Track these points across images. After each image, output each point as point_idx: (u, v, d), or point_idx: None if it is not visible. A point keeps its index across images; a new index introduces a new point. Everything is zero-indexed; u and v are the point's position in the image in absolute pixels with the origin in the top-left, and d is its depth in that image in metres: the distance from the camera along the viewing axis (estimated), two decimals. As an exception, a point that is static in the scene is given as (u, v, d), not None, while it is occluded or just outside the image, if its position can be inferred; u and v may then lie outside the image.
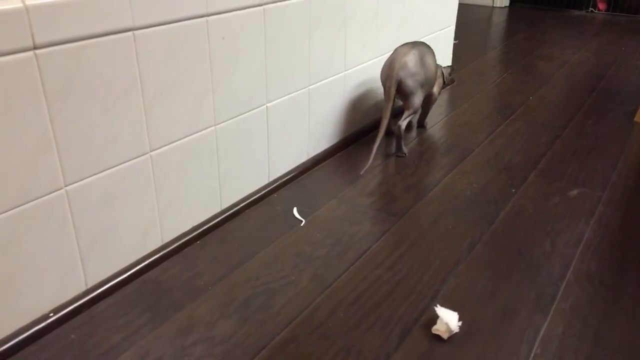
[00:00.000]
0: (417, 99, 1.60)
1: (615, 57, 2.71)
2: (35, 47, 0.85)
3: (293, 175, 1.51)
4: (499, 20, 3.58)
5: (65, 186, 0.95)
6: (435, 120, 1.93)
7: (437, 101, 2.04)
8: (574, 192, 1.46)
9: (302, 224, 1.31)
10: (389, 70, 1.56)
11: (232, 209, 1.33)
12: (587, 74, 2.46)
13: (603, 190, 1.46)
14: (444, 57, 2.26)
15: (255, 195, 1.39)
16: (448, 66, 1.86)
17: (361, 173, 1.53)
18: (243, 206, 1.35)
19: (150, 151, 1.09)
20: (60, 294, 1.00)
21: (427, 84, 1.62)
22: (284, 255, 1.19)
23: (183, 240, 1.21)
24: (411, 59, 1.56)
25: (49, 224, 0.95)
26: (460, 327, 0.98)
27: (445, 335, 0.96)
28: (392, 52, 1.61)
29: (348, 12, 1.55)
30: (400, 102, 1.66)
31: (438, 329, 0.97)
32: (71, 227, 0.98)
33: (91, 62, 0.93)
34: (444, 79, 1.80)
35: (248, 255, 1.19)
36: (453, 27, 2.26)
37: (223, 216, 1.30)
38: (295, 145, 1.51)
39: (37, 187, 0.91)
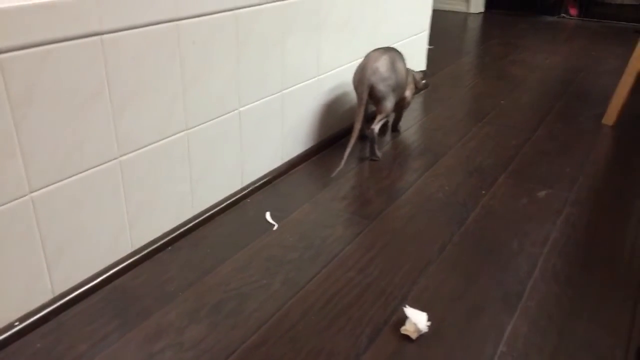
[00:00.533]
0: (389, 103, 1.63)
1: (586, 62, 2.78)
2: (-3, 52, 0.84)
3: (267, 180, 1.51)
4: (474, 26, 3.64)
5: (31, 192, 0.94)
6: (409, 124, 1.95)
7: (411, 105, 2.07)
8: (542, 193, 1.49)
9: (274, 228, 1.31)
10: (361, 75, 1.58)
11: (204, 214, 1.32)
12: (558, 78, 2.51)
13: (570, 191, 1.50)
14: (418, 62, 2.29)
15: (229, 200, 1.39)
16: (421, 71, 1.88)
17: (332, 176, 1.54)
18: (216, 211, 1.35)
19: (120, 156, 1.08)
20: (26, 302, 0.98)
21: (398, 88, 1.64)
22: (256, 260, 1.19)
23: (154, 246, 1.20)
24: (383, 64, 1.58)
25: (13, 231, 0.93)
26: (429, 327, 0.99)
27: (414, 336, 0.97)
28: (364, 57, 1.63)
29: (321, 17, 1.57)
30: (373, 107, 1.67)
31: (407, 329, 0.98)
32: (37, 234, 0.97)
33: (57, 67, 0.93)
34: (415, 84, 1.82)
35: (220, 260, 1.19)
36: (427, 32, 2.30)
37: (195, 221, 1.30)
38: (269, 149, 1.51)
39: (1, 193, 0.90)
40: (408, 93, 1.77)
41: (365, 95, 1.57)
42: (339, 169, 1.54)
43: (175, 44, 1.13)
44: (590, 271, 1.17)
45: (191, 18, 1.15)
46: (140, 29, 1.05)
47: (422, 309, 1.02)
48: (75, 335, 0.97)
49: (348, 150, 1.55)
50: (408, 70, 1.75)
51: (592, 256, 1.22)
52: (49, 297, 1.02)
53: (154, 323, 1.00)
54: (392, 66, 1.60)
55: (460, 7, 4.08)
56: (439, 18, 3.76)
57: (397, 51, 1.67)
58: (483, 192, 1.49)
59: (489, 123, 1.97)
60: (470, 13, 4.04)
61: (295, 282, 1.12)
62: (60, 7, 0.91)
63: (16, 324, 0.96)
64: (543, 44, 3.14)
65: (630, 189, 1.52)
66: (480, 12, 4.07)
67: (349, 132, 1.79)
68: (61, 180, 0.99)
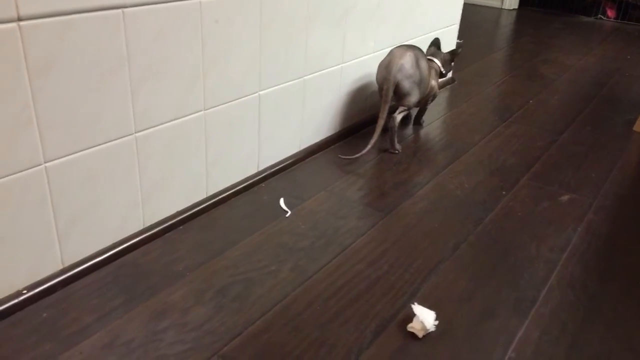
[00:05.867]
0: (413, 99, 1.60)
1: (620, 65, 2.68)
2: (19, 19, 0.84)
3: (283, 166, 1.49)
4: (507, 23, 3.55)
5: (45, 162, 0.94)
6: (433, 118, 1.91)
7: (436, 99, 2.02)
8: (565, 198, 1.44)
9: (287, 215, 1.29)
10: (386, 72, 1.56)
11: (218, 196, 1.32)
12: (590, 80, 2.43)
13: (594, 198, 1.45)
14: (446, 55, 2.24)
15: (243, 183, 1.38)
16: (449, 52, 1.82)
17: (353, 157, 1.55)
18: (230, 194, 1.34)
19: (136, 132, 1.08)
20: (35, 271, 0.99)
21: (422, 84, 1.61)
22: (266, 245, 1.18)
23: (165, 225, 1.20)
24: (407, 61, 1.55)
25: (26, 200, 0.94)
26: (437, 326, 0.97)
27: (420, 334, 0.95)
28: (387, 54, 1.60)
29: (349, 3, 1.53)
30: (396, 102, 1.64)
31: (413, 326, 0.96)
32: (49, 205, 0.97)
33: (77, 38, 0.92)
34: (441, 70, 1.77)
35: (230, 243, 1.18)
36: (457, 26, 2.24)
37: (208, 203, 1.29)
38: (287, 135, 1.49)
39: (15, 162, 0.90)
40: (434, 83, 1.73)
41: (390, 93, 1.55)
42: (361, 153, 1.53)
43: (197, 22, 1.12)
44: (609, 281, 1.13)
45: (216, -4, 1.13)
46: (163, 4, 1.04)
47: (431, 308, 1.00)
48: (82, 307, 0.98)
49: (372, 141, 1.54)
50: (430, 66, 1.71)
51: (611, 266, 1.18)
52: (58, 267, 1.03)
53: (159, 301, 1.00)
54: (416, 63, 1.58)
55: (494, 3, 3.98)
56: (471, 12, 3.67)
57: (419, 48, 1.64)
58: (503, 192, 1.45)
59: (515, 122, 1.92)
60: (503, 9, 3.94)
61: (303, 271, 1.11)
62: (84, -23, 0.90)
63: (24, 292, 0.97)
64: (577, 45, 3.04)
65: (658, 199, 1.46)
66: (514, 9, 3.96)
67: (370, 123, 1.76)
68: (76, 152, 0.98)
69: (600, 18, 3.76)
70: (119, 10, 0.97)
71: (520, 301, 1.05)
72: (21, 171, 0.91)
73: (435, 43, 1.82)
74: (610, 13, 3.75)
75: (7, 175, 0.90)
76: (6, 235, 0.93)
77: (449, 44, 2.22)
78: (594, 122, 1.95)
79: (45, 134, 0.93)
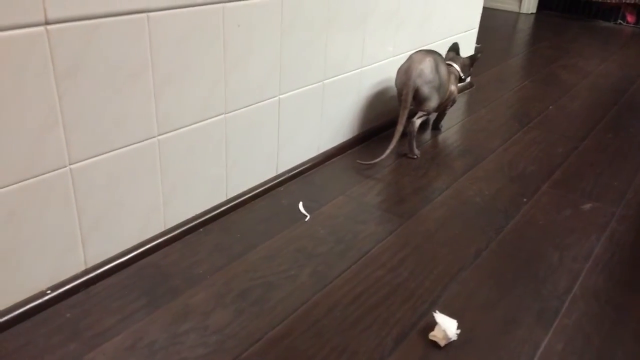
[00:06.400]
0: (433, 104, 1.59)
1: (641, 71, 2.64)
2: (47, 23, 0.85)
3: (302, 170, 1.49)
4: (525, 27, 3.52)
5: (70, 164, 0.95)
6: (451, 123, 1.89)
7: (455, 105, 2.01)
8: (587, 206, 1.42)
9: (306, 219, 1.29)
10: (405, 78, 1.55)
11: (237, 199, 1.32)
12: (611, 86, 2.40)
13: (617, 207, 1.43)
14: (465, 60, 2.22)
15: (262, 187, 1.38)
16: (468, 57, 1.81)
17: (372, 162, 1.54)
18: (249, 197, 1.34)
19: (158, 135, 1.08)
20: (59, 271, 1.00)
21: (441, 89, 1.60)
22: (286, 250, 1.18)
23: (186, 227, 1.20)
24: (427, 66, 1.54)
25: (51, 201, 0.94)
26: (459, 336, 0.96)
27: (442, 343, 0.94)
28: (407, 59, 1.59)
29: (369, 7, 1.53)
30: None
31: (435, 335, 0.95)
32: (74, 206, 0.98)
33: (103, 41, 0.93)
34: (460, 75, 1.76)
35: (249, 246, 1.18)
36: (476, 30, 2.23)
37: (228, 206, 1.29)
38: (306, 139, 1.49)
39: (41, 163, 0.91)
40: (453, 88, 1.72)
41: (409, 98, 1.54)
42: (380, 158, 1.52)
43: (220, 26, 1.12)
44: (634, 292, 1.11)
45: (237, 1, 1.14)
46: (187, 9, 1.04)
47: (452, 316, 0.99)
48: (104, 309, 0.98)
49: (391, 147, 1.53)
50: (449, 71, 1.70)
51: (636, 276, 1.16)
52: (81, 268, 1.03)
53: (181, 304, 1.00)
54: (436, 68, 1.57)
55: (512, 7, 3.95)
56: (489, 16, 3.65)
57: (438, 53, 1.63)
58: (524, 200, 1.43)
59: (535, 128, 1.89)
60: (521, 13, 3.90)
61: (323, 276, 1.10)
62: (112, -19, 0.91)
63: (48, 292, 0.98)
64: (596, 50, 3.01)
65: (683, 209, 1.44)
66: (532, 13, 3.92)
67: (389, 128, 1.76)
68: (100, 155, 0.99)
69: (620, 23, 3.72)
70: (144, 15, 0.98)
71: (544, 311, 1.04)
72: (47, 173, 0.92)
73: (454, 48, 1.81)
74: (630, 18, 3.70)
75: (33, 177, 0.91)
76: (31, 236, 0.94)
77: (468, 49, 2.21)
78: (615, 129, 1.93)
79: (71, 136, 0.93)
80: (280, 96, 1.35)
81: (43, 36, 0.85)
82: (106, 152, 1.00)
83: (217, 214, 1.27)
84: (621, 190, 1.51)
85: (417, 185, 1.48)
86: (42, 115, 0.88)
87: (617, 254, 1.23)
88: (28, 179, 0.90)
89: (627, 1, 3.62)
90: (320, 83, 1.47)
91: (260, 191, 1.37)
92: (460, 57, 1.80)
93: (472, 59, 1.82)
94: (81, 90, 0.92)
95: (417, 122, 1.60)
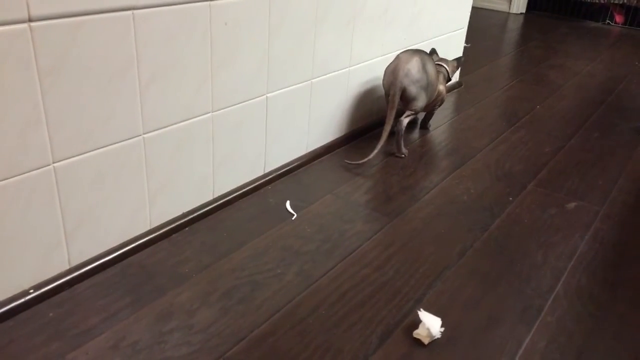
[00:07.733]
0: (420, 103, 1.60)
1: (628, 72, 2.67)
2: (30, 20, 0.84)
3: (289, 168, 1.49)
4: (514, 27, 3.54)
5: (54, 162, 0.95)
6: (439, 122, 1.90)
7: (443, 104, 2.02)
8: (572, 205, 1.43)
9: (293, 218, 1.29)
10: (392, 77, 1.55)
11: (224, 198, 1.32)
12: (598, 86, 2.42)
13: (601, 205, 1.44)
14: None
15: (249, 185, 1.38)
16: (454, 59, 1.83)
17: (359, 162, 1.54)
18: (236, 196, 1.34)
19: (144, 133, 1.08)
20: (42, 271, 0.99)
21: (429, 88, 1.61)
22: (272, 248, 1.18)
23: (172, 226, 1.20)
24: (414, 66, 1.55)
25: (35, 200, 0.94)
26: (442, 333, 0.97)
27: (426, 341, 0.95)
28: (394, 59, 1.59)
29: (357, 6, 1.53)
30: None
31: (419, 333, 0.95)
32: (58, 205, 0.98)
33: (88, 39, 0.92)
34: (449, 73, 1.77)
35: (236, 245, 1.18)
36: (465, 30, 2.24)
37: (214, 204, 1.29)
38: (293, 138, 1.49)
39: (24, 161, 0.90)
40: (442, 88, 1.73)
41: (397, 98, 1.54)
42: (367, 157, 1.52)
43: (206, 24, 1.12)
44: (616, 290, 1.12)
45: (225, -1, 1.13)
46: (173, 7, 1.04)
47: (437, 314, 1.00)
48: (88, 308, 0.98)
49: (379, 146, 1.53)
50: (438, 70, 1.71)
51: (619, 275, 1.17)
52: (65, 267, 1.03)
53: (166, 303, 1.00)
54: (423, 67, 1.57)
55: (502, 7, 3.97)
56: (478, 16, 3.66)
57: (426, 52, 1.64)
58: (510, 198, 1.45)
59: (522, 128, 1.91)
60: (511, 13, 3.93)
61: (309, 275, 1.11)
62: (96, -22, 0.90)
63: (31, 291, 0.97)
64: (584, 50, 3.03)
65: (666, 208, 1.46)
66: (522, 13, 3.95)
67: (377, 127, 1.76)
68: (84, 153, 0.99)
69: (608, 23, 3.75)
70: (129, 12, 0.97)
71: (527, 309, 1.05)
72: (30, 171, 0.92)
73: (433, 53, 1.81)
74: (619, 19, 3.73)
75: (16, 175, 0.90)
76: (14, 235, 0.93)
77: (457, 48, 2.22)
78: (601, 129, 1.95)
79: (54, 134, 0.93)
80: (268, 95, 1.35)
81: (26, 33, 0.84)
82: (91, 151, 0.99)
83: (204, 212, 1.27)
84: (606, 190, 1.52)
85: (405, 184, 1.49)
86: (25, 112, 0.88)
87: (601, 252, 1.24)
88: (11, 177, 0.89)
89: (616, 1, 3.66)
90: (309, 82, 1.47)
91: (247, 190, 1.37)
92: (446, 59, 1.81)
93: (457, 61, 1.83)
94: (65, 88, 0.92)
95: (405, 121, 1.60)
